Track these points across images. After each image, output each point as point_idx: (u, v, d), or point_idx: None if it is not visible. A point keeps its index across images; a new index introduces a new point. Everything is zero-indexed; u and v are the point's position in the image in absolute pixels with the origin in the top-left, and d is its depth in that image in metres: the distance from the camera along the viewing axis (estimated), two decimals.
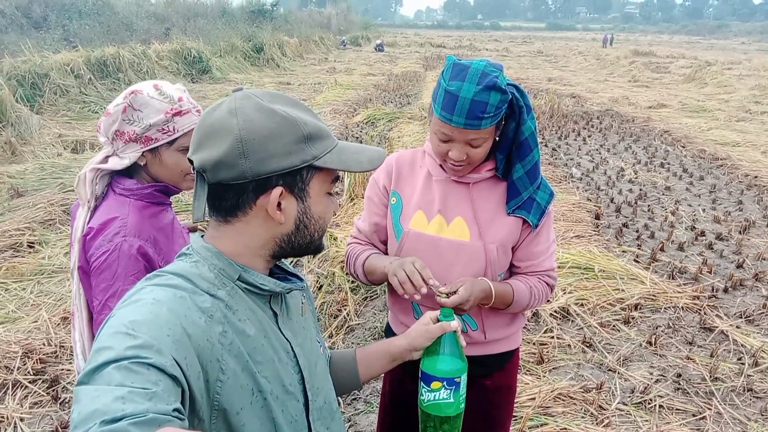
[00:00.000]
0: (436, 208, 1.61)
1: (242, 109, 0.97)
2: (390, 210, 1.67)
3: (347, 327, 3.83)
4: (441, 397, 1.24)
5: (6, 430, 2.84)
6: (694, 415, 3.07)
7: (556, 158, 8.55)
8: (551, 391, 3.15)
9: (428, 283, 1.44)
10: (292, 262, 4.30)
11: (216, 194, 1.00)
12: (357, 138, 9.31)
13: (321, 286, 4.14)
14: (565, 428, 2.89)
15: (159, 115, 1.49)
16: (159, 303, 0.89)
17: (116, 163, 1.51)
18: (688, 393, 3.26)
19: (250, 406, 0.97)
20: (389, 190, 1.68)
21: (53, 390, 3.09)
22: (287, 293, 1.12)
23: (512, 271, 1.68)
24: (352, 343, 3.65)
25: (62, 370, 3.26)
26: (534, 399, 3.08)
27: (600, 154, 8.90)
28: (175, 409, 0.77)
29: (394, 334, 1.74)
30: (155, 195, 1.55)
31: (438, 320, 1.29)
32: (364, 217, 1.76)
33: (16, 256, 4.67)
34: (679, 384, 3.33)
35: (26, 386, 3.11)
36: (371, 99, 13.32)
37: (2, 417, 2.90)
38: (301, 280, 1.17)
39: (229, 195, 0.99)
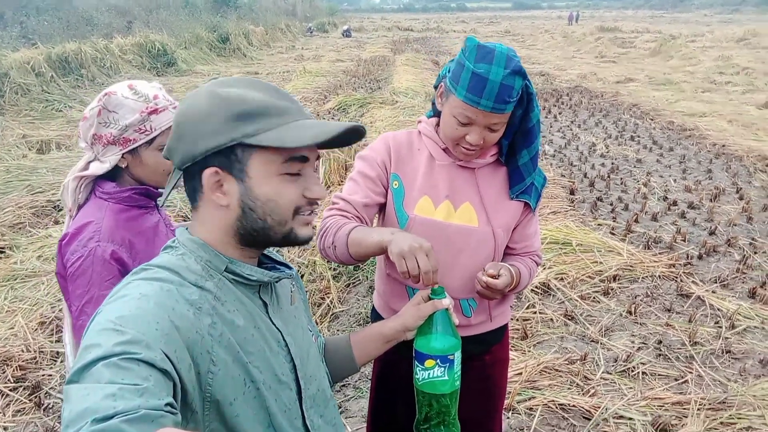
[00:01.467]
0: (443, 193, 1.58)
1: (192, 94, 1.00)
2: (392, 194, 1.61)
3: (331, 314, 3.82)
4: (435, 375, 1.24)
5: None
6: (676, 380, 3.14)
7: None
8: (537, 365, 3.19)
9: (435, 268, 1.31)
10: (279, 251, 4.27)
11: (183, 181, 1.03)
12: None
13: (302, 275, 4.12)
14: (553, 400, 2.94)
15: (134, 115, 1.46)
16: (146, 297, 0.88)
17: (97, 168, 1.49)
18: (669, 358, 3.33)
19: (243, 396, 0.97)
20: (389, 171, 1.61)
21: (35, 396, 3.03)
22: (276, 282, 1.10)
23: (506, 252, 1.68)
24: (338, 330, 3.65)
25: (43, 375, 3.20)
26: (521, 374, 3.12)
27: (571, 130, 8.98)
28: (168, 404, 0.76)
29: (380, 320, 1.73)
30: (134, 198, 1.52)
31: (429, 299, 1.29)
32: (352, 190, 1.59)
33: None
34: (661, 350, 3.40)
35: (7, 394, 3.04)
36: (341, 85, 13.24)
37: None
38: (290, 268, 1.15)
39: (187, 180, 1.02)
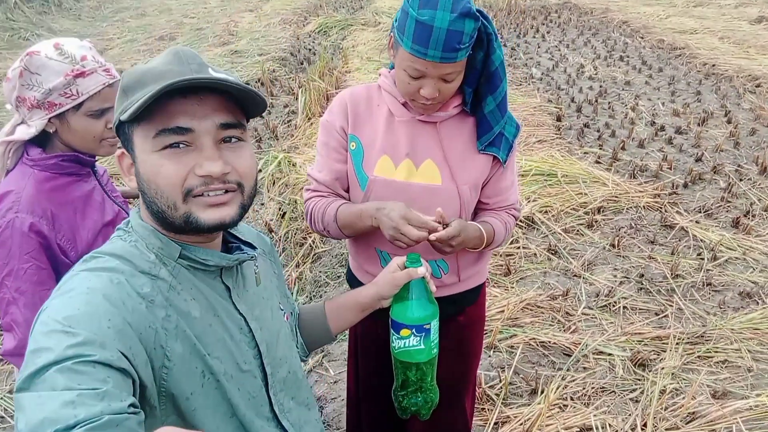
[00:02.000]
0: (403, 151, 1.49)
1: None
2: (350, 156, 1.54)
3: (314, 255, 3.79)
4: (411, 344, 1.22)
5: None
6: (656, 314, 3.17)
7: (515, 58, 8.35)
8: (519, 302, 3.20)
9: (427, 226, 1.37)
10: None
11: None
12: (309, 50, 8.91)
13: (284, 214, 4.05)
14: (534, 338, 2.96)
15: (58, 78, 1.35)
16: (94, 292, 0.82)
17: (23, 133, 1.39)
18: (650, 292, 3.35)
19: (202, 389, 0.93)
20: (347, 133, 1.53)
21: None
22: (239, 265, 1.03)
23: (479, 207, 1.61)
24: (320, 271, 3.62)
25: None
26: (503, 312, 3.13)
27: (559, 50, 8.72)
28: (131, 404, 0.73)
29: (358, 282, 1.69)
30: (62, 165, 1.43)
31: (405, 267, 1.23)
32: (320, 165, 1.59)
33: None
34: (642, 284, 3.42)
35: None
36: (321, 5, 12.68)
37: None
38: (253, 248, 1.08)
39: None
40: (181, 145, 0.88)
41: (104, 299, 0.81)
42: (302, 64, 8.26)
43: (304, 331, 1.31)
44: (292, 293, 3.36)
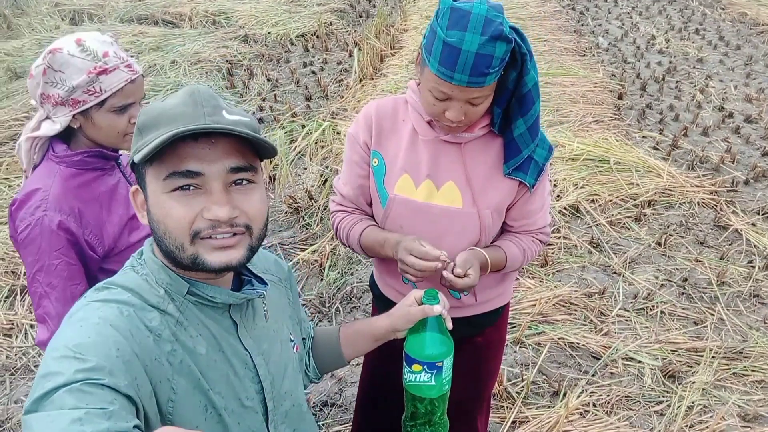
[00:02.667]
0: (424, 172, 1.45)
1: None
2: (372, 172, 1.51)
3: None
4: (422, 379, 1.22)
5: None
6: (695, 323, 3.06)
7: (582, 24, 7.95)
8: (552, 297, 3.14)
9: (440, 259, 1.36)
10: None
11: None
12: (369, 1, 8.70)
13: (325, 181, 4.04)
14: (563, 337, 2.92)
15: (81, 76, 1.36)
16: (104, 322, 0.85)
17: (49, 129, 1.41)
18: (692, 298, 3.23)
19: (205, 422, 0.96)
20: (370, 149, 1.51)
21: None
22: (242, 303, 1.03)
23: (504, 228, 1.56)
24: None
25: None
26: (534, 306, 3.09)
27: (631, 18, 8.24)
28: (135, 426, 0.76)
29: (378, 290, 1.68)
30: (87, 161, 1.45)
31: (422, 302, 1.22)
32: (344, 178, 1.58)
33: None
34: (685, 289, 3.30)
35: None
36: None
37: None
38: (264, 283, 1.08)
39: None
40: (191, 188, 0.89)
41: (114, 330, 0.84)
42: (360, 17, 8.10)
43: (318, 354, 1.32)
44: (324, 269, 3.39)
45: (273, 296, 1.15)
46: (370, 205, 1.58)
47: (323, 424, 2.48)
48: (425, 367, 1.21)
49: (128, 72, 1.41)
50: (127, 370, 0.81)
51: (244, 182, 0.94)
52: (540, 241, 1.56)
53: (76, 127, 1.43)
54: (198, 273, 0.94)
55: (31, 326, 2.98)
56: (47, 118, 1.42)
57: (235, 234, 0.92)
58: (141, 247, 1.03)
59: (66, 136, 1.45)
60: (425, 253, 1.34)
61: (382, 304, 1.70)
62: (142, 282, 0.94)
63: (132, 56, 1.49)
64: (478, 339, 1.66)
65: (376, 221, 1.56)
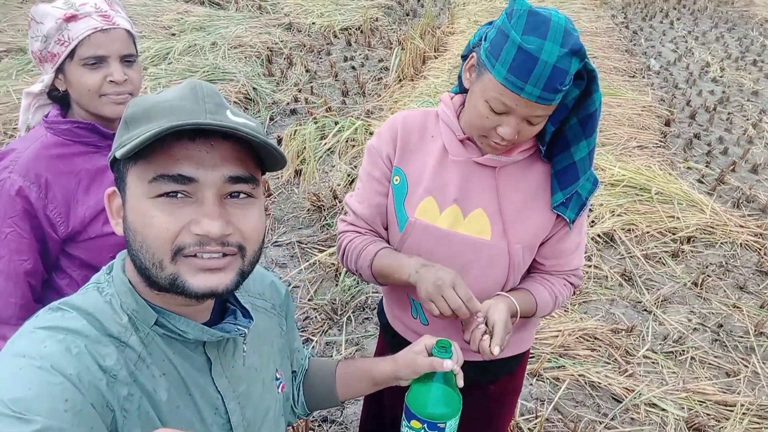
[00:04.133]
0: (451, 196, 1.29)
1: None
2: (392, 191, 1.35)
3: None
4: None
5: None
6: (728, 374, 2.86)
7: (635, 43, 7.70)
8: (576, 330, 2.97)
9: (475, 316, 1.20)
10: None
11: None
12: (418, 0, 8.56)
13: (352, 181, 3.92)
14: (583, 374, 2.74)
15: (51, 23, 1.26)
16: (48, 365, 0.70)
17: (35, 87, 1.33)
18: (726, 347, 3.03)
19: None
20: (393, 164, 1.35)
21: None
22: (216, 341, 0.88)
23: (533, 266, 1.40)
24: None
25: None
26: (556, 337, 2.92)
27: (686, 42, 7.96)
28: None
29: (386, 320, 1.54)
30: (75, 132, 1.33)
31: (432, 353, 1.06)
32: (360, 195, 1.40)
33: None
34: (719, 335, 3.09)
35: None
36: None
37: None
38: (249, 319, 0.92)
39: None
40: (179, 195, 0.75)
41: (59, 376, 0.70)
42: (407, 15, 7.97)
43: (309, 388, 1.18)
44: (340, 274, 3.27)
45: (261, 327, 1.00)
46: (386, 228, 1.42)
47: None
48: (425, 426, 1.05)
49: (101, 21, 1.28)
50: (80, 423, 0.69)
51: (242, 195, 0.80)
52: (571, 284, 1.41)
53: (61, 89, 1.33)
54: (175, 297, 0.80)
55: None
56: None
57: (225, 255, 0.78)
58: (116, 242, 0.88)
59: (66, 102, 1.36)
60: (470, 299, 1.17)
61: (389, 335, 1.55)
62: (105, 306, 0.80)
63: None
64: (491, 387, 1.50)
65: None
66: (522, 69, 1.08)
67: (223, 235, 0.77)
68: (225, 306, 0.94)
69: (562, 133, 1.26)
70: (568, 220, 1.29)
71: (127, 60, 1.34)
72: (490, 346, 1.17)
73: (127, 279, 0.83)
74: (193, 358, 0.85)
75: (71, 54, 1.27)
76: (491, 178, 1.29)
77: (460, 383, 1.06)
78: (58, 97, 1.34)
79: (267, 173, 0.88)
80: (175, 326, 0.82)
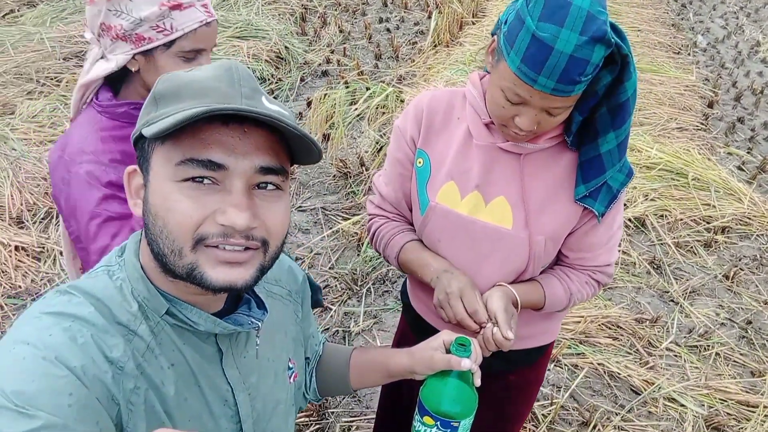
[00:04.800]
0: (473, 181, 1.24)
1: None
2: (415, 174, 1.31)
3: None
4: None
5: None
6: (752, 373, 2.78)
7: (683, 17, 7.37)
8: (599, 317, 2.91)
9: (482, 326, 1.18)
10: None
11: None
12: None
13: (380, 149, 3.86)
14: (603, 363, 2.70)
15: (152, 8, 1.17)
16: (53, 356, 0.68)
17: (101, 70, 1.22)
18: (753, 344, 2.94)
19: None
20: (417, 146, 1.30)
21: None
22: (229, 334, 0.85)
23: (558, 257, 1.34)
24: None
25: None
26: (579, 323, 2.87)
27: (737, 18, 7.60)
28: None
29: (408, 300, 1.51)
30: (133, 115, 1.25)
31: (450, 350, 1.02)
32: (387, 176, 1.38)
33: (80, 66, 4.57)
34: (747, 332, 3.00)
35: None
36: None
37: None
38: (264, 310, 0.90)
39: None
40: (205, 181, 0.72)
41: (64, 368, 0.68)
42: None
43: (322, 374, 1.16)
44: (362, 243, 3.23)
45: (275, 316, 0.97)
46: (412, 209, 1.39)
47: (332, 413, 2.36)
48: (438, 423, 1.02)
49: (204, 13, 1.22)
50: (83, 420, 0.66)
51: (270, 187, 0.76)
52: (597, 281, 1.34)
53: (134, 70, 1.24)
54: (189, 286, 0.76)
55: (61, 253, 2.94)
56: (102, 57, 1.23)
57: (247, 248, 0.75)
58: None
59: (120, 78, 1.27)
60: (474, 311, 1.17)
61: (410, 315, 1.53)
62: (114, 292, 0.77)
63: None
64: (511, 377, 1.47)
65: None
66: (535, 59, 1.00)
67: (249, 228, 0.73)
68: (239, 294, 0.90)
69: (593, 122, 1.18)
70: (596, 213, 1.22)
71: None
72: (502, 335, 1.15)
73: (140, 264, 0.80)
74: (204, 349, 0.83)
75: (169, 43, 1.21)
76: (516, 166, 1.22)
77: (477, 382, 1.02)
78: (111, 78, 1.27)
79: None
80: (186, 317, 0.80)
